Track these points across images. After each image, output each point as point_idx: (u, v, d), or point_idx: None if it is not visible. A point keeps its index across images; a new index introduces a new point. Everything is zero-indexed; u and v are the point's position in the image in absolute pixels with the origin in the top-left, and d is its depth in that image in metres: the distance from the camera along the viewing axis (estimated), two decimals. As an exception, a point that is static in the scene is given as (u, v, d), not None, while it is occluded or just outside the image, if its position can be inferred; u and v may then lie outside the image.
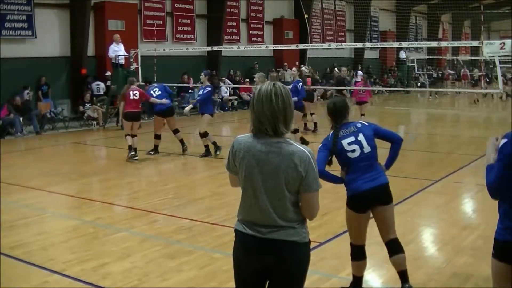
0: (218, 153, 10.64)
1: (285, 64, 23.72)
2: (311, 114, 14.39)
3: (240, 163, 2.72)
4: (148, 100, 10.88)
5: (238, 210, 2.81)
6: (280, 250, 2.69)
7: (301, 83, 11.85)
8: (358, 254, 4.27)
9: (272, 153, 2.64)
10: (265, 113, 2.62)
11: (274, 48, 23.08)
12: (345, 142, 4.10)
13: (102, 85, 16.92)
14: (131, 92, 10.43)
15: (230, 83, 21.46)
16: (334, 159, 4.17)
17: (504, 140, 2.82)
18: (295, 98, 10.66)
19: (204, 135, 10.61)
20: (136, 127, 10.61)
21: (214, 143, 10.65)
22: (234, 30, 23.32)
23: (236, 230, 2.82)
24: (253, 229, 2.72)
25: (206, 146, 10.70)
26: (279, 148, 2.65)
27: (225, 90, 20.94)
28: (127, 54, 16.04)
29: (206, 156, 10.69)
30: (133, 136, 10.44)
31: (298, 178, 2.63)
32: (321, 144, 4.15)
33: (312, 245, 4.45)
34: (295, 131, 11.23)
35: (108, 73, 17.05)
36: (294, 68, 12.67)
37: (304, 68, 16.64)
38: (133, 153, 10.37)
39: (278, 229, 2.68)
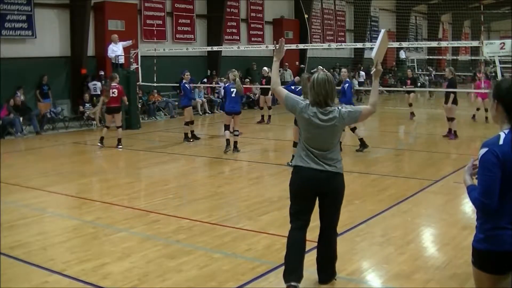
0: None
1: (286, 64, 23.72)
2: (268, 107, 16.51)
3: (307, 122, 4.14)
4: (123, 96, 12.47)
5: (297, 152, 4.26)
6: (330, 178, 4.10)
7: (348, 84, 10.93)
8: None
9: (327, 112, 4.12)
10: (322, 92, 4.11)
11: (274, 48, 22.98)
12: None
13: (98, 84, 16.91)
14: (110, 90, 12.03)
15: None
16: None
17: (484, 150, 2.66)
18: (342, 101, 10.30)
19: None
20: (118, 119, 12.23)
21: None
22: (234, 30, 23.31)
23: (296, 166, 4.20)
24: (313, 163, 4.10)
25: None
26: (330, 109, 4.14)
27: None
28: (125, 43, 16.03)
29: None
30: (118, 127, 12.19)
31: (343, 124, 4.21)
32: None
33: (313, 245, 4.48)
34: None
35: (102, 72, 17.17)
36: (344, 69, 11.70)
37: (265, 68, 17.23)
38: (100, 142, 12.07)
39: (328, 164, 4.10)
